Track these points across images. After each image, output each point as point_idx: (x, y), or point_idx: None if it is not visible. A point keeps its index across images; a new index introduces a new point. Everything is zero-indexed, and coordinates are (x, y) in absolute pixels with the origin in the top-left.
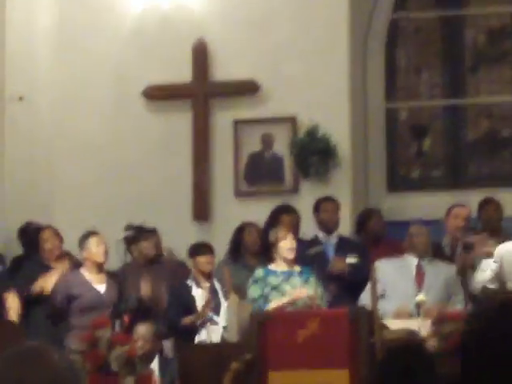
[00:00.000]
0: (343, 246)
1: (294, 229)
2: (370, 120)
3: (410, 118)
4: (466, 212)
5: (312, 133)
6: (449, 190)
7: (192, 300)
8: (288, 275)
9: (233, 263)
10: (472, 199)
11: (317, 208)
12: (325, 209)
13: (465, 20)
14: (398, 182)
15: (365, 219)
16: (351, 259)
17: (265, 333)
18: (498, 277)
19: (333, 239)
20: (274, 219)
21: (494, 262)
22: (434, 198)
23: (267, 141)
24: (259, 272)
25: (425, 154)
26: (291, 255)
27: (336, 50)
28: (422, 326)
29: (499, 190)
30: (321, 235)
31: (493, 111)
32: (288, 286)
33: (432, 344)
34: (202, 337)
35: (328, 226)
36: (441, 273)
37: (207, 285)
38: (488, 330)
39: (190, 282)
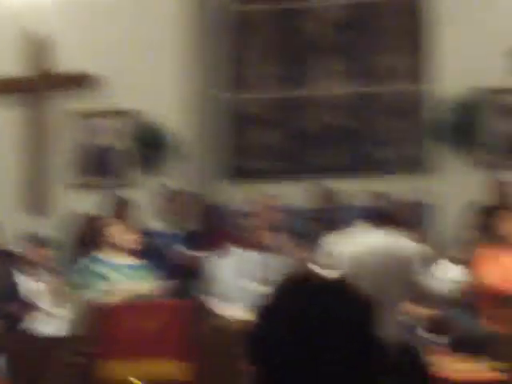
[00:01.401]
0: (189, 237)
1: (128, 219)
2: (207, 111)
3: (247, 108)
4: (274, 203)
5: (148, 125)
6: (286, 180)
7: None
8: (130, 268)
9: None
10: (310, 188)
11: (169, 199)
12: (177, 199)
13: (304, 12)
14: (236, 172)
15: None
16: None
17: (105, 324)
18: None
19: (177, 231)
20: (109, 210)
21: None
22: (273, 187)
23: (102, 133)
24: (85, 262)
25: (264, 145)
26: (127, 245)
27: (172, 43)
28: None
29: (338, 179)
30: (162, 226)
31: (330, 103)
32: (124, 278)
33: None
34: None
35: (177, 217)
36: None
37: (36, 276)
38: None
39: (15, 271)
